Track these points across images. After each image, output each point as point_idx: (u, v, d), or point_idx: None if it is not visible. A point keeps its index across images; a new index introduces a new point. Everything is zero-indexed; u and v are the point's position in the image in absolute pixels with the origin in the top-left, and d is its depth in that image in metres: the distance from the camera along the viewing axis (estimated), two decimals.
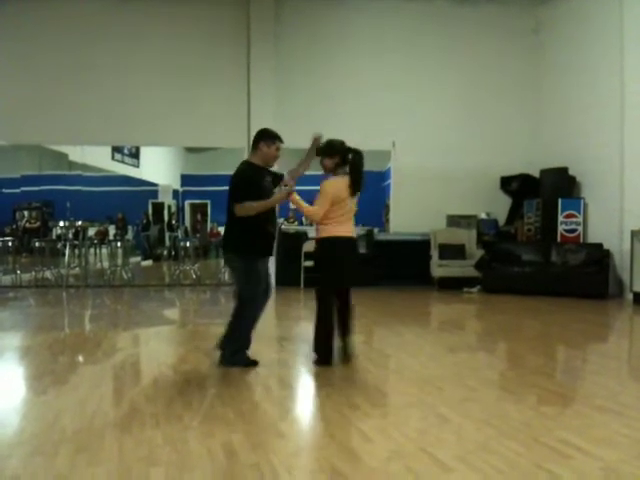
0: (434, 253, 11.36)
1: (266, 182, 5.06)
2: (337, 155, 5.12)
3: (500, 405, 4.11)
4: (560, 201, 10.96)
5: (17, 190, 17.44)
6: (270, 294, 5.31)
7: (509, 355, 6.25)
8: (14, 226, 16.98)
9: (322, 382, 4.79)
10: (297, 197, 5.11)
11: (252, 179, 4.97)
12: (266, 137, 5.13)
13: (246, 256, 4.99)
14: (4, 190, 17.05)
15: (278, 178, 5.25)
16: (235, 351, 5.12)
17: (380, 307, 9.49)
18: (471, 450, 3.22)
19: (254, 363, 5.15)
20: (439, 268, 11.27)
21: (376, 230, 12.36)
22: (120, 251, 12.64)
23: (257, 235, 4.98)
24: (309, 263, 11.13)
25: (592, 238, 10.82)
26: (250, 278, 5.02)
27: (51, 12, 11.35)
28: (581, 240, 10.88)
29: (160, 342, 6.82)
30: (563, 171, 11.20)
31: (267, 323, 8.22)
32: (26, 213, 17.63)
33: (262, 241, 5.05)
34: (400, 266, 11.34)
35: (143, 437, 3.42)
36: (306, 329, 7.73)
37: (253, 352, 5.36)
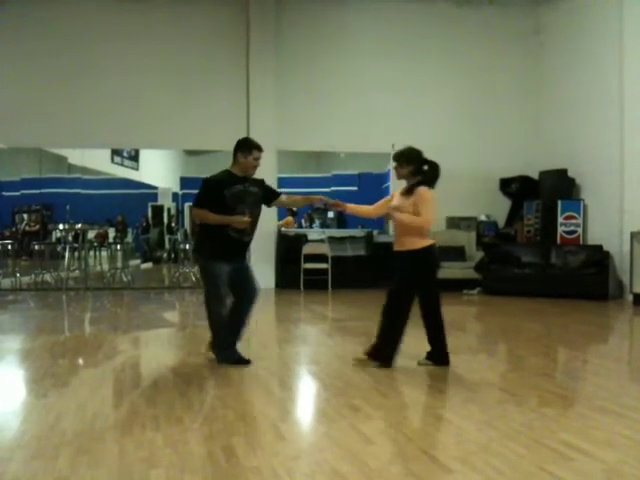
0: None
1: (236, 191, 5.04)
2: (413, 164, 5.13)
3: (501, 406, 4.10)
4: (560, 203, 10.96)
5: (17, 193, 17.46)
6: (253, 297, 5.28)
7: (510, 357, 6.25)
8: (14, 229, 16.99)
9: (322, 384, 4.79)
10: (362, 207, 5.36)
11: (217, 187, 5.03)
12: (243, 148, 5.14)
13: (206, 258, 5.15)
14: (4, 193, 17.07)
15: (270, 191, 5.40)
16: (219, 348, 5.24)
17: (380, 309, 9.47)
18: (472, 452, 3.21)
19: (245, 361, 5.18)
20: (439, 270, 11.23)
21: (376, 232, 12.36)
22: (120, 254, 12.63)
23: (218, 240, 5.05)
24: (309, 265, 11.15)
25: (592, 240, 10.82)
26: (207, 279, 5.20)
27: (50, 15, 11.34)
28: (581, 242, 10.88)
29: (160, 344, 6.82)
30: (563, 173, 11.20)
31: (268, 325, 8.22)
32: (26, 216, 17.63)
33: (223, 246, 5.06)
34: None
35: (143, 439, 3.42)
36: (306, 331, 7.75)
37: (254, 353, 5.37)
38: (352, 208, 5.44)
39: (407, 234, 5.05)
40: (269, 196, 5.37)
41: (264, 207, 5.38)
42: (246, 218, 5.05)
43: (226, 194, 5.01)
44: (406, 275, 5.07)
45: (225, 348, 5.21)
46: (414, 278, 5.06)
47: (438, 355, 5.14)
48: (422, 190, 4.97)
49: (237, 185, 5.08)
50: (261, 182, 5.33)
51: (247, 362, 5.19)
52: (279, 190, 5.84)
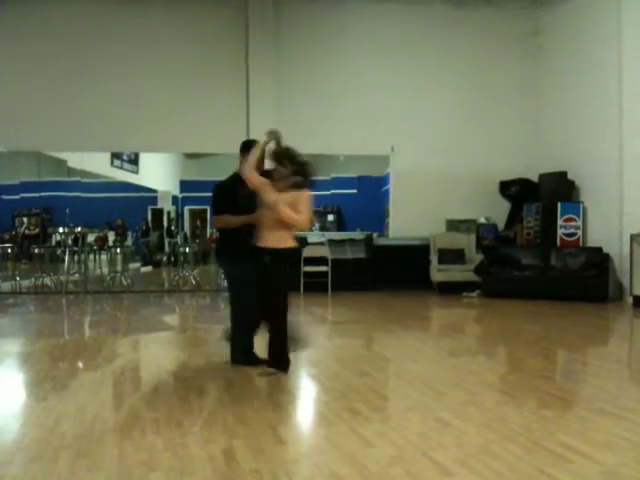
0: (434, 257, 11.36)
1: (247, 192, 5.09)
2: (294, 164, 5.03)
3: (500, 409, 4.10)
4: (559, 205, 10.97)
5: (16, 197, 17.46)
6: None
7: (509, 359, 6.24)
8: (13, 232, 16.98)
9: (322, 387, 4.79)
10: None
11: (229, 191, 5.17)
12: (245, 148, 5.26)
13: (232, 260, 5.23)
14: (3, 197, 17.06)
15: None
16: (235, 350, 5.29)
17: (380, 311, 9.49)
18: (472, 454, 3.21)
19: (259, 362, 5.22)
20: (439, 272, 11.27)
21: (375, 235, 12.37)
22: (119, 257, 12.63)
23: (239, 243, 5.12)
24: (309, 268, 11.15)
25: (591, 242, 10.82)
26: (233, 280, 5.26)
27: (49, 17, 11.36)
28: (580, 244, 10.88)
29: (160, 348, 6.81)
30: (562, 175, 11.21)
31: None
32: (25, 219, 17.64)
33: (244, 248, 5.09)
34: (400, 270, 11.35)
35: (143, 442, 3.42)
36: (306, 334, 7.73)
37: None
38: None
39: (276, 230, 4.93)
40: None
41: None
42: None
43: (235, 197, 5.11)
44: (271, 273, 4.97)
45: (239, 351, 5.28)
46: (277, 275, 4.95)
47: (273, 359, 5.02)
48: (303, 191, 4.97)
49: (246, 187, 5.13)
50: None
51: (262, 362, 5.24)
52: None
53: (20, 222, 17.74)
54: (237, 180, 5.21)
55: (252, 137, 8.61)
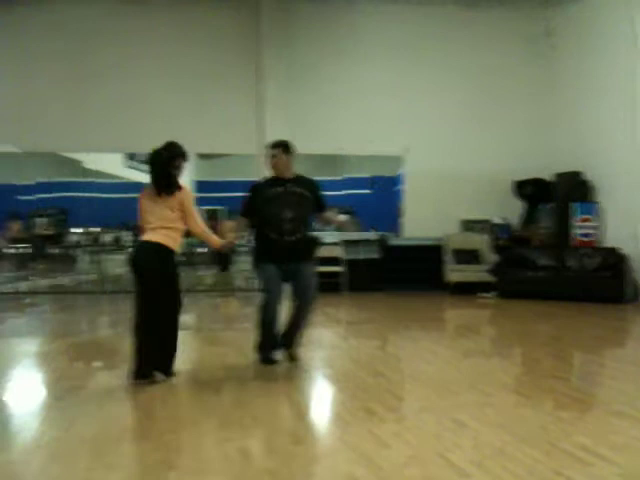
0: (448, 258, 11.32)
1: (270, 194, 5.15)
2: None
3: (517, 410, 4.09)
4: (575, 205, 10.89)
5: (32, 197, 17.60)
6: (306, 299, 5.27)
7: (525, 359, 6.22)
8: (29, 233, 17.11)
9: (338, 387, 4.79)
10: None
11: (252, 192, 5.27)
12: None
13: (254, 261, 5.33)
14: (19, 197, 17.21)
15: (317, 201, 5.31)
16: (256, 348, 5.38)
17: (394, 312, 9.48)
18: (488, 455, 3.20)
19: (271, 361, 5.32)
20: (453, 273, 11.22)
21: (389, 235, 12.34)
22: None
23: (261, 241, 5.25)
24: (323, 268, 11.08)
25: (608, 242, 10.73)
26: (260, 282, 5.28)
27: (65, 18, 11.39)
28: (597, 244, 10.80)
29: None
30: (577, 175, 11.14)
31: (282, 329, 8.22)
32: (42, 220, 17.76)
33: (266, 247, 5.19)
34: (413, 271, 11.31)
35: (160, 442, 3.44)
36: (320, 334, 7.75)
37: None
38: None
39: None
40: (316, 205, 5.32)
41: None
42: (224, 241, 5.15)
43: (257, 198, 5.17)
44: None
45: (260, 349, 5.35)
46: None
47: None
48: None
49: (277, 187, 5.19)
50: (310, 184, 5.34)
51: (273, 362, 5.31)
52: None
53: (36, 222, 17.86)
54: (266, 182, 5.30)
55: (262, 137, 8.64)
